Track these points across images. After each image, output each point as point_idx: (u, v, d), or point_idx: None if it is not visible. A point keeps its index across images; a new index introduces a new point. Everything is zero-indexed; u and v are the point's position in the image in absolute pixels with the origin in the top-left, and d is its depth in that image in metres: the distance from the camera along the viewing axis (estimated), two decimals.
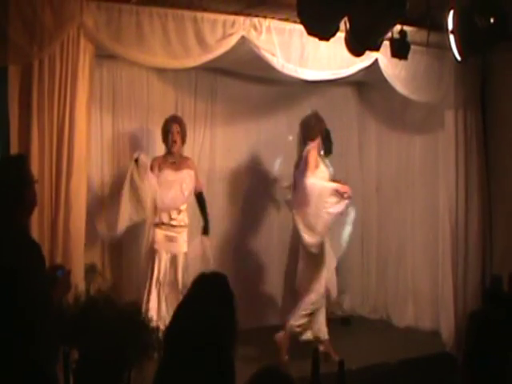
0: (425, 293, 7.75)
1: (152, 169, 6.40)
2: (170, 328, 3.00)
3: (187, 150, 7.31)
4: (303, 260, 6.55)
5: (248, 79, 7.54)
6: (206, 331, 2.86)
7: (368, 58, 6.01)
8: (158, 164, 6.49)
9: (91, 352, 3.80)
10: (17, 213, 3.56)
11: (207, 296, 3.11)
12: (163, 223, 6.46)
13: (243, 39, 5.83)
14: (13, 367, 3.18)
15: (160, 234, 6.45)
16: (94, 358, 3.75)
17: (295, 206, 6.54)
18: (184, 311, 3.04)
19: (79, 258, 5.07)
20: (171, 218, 6.47)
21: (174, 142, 6.50)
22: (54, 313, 3.48)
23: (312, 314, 6.49)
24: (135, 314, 4.19)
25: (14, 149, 4.90)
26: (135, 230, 6.88)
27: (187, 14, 5.60)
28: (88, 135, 5.28)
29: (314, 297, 6.44)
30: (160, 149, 6.75)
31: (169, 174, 6.48)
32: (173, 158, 6.55)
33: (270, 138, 7.88)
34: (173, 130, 6.51)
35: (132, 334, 3.98)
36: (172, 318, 3.05)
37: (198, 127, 7.50)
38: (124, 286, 6.70)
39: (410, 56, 5.57)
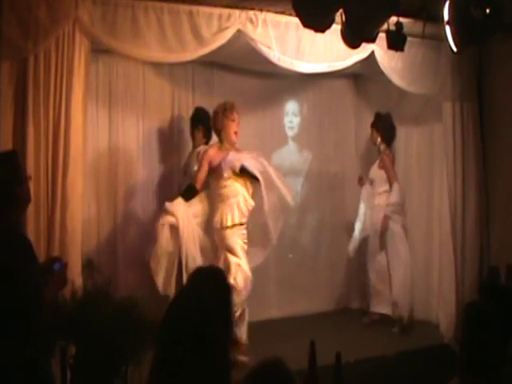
0: (422, 285, 7.75)
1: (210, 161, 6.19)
2: (165, 322, 3.00)
3: (185, 145, 7.32)
4: None
5: (245, 73, 7.52)
6: (201, 325, 2.85)
7: (364, 50, 6.00)
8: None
9: (88, 347, 3.82)
10: (8, 209, 3.56)
11: (203, 290, 3.11)
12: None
13: (239, 32, 5.82)
14: (5, 363, 3.18)
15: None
16: (91, 353, 3.76)
17: None
18: (179, 305, 3.04)
19: (76, 254, 5.05)
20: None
21: (236, 132, 6.25)
22: (48, 308, 3.47)
23: None
24: (132, 309, 4.18)
25: (8, 145, 4.87)
26: (130, 225, 6.92)
27: (183, 8, 5.58)
28: (84, 130, 5.25)
29: None
30: (157, 144, 6.76)
31: None
32: (225, 149, 6.23)
33: (268, 132, 7.87)
34: (236, 118, 6.26)
35: (129, 329, 3.98)
36: (167, 312, 3.04)
37: None
38: (121, 281, 6.69)
39: (406, 48, 5.57)
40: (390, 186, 7.37)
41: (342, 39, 5.25)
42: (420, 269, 7.81)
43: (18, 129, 4.98)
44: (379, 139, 7.54)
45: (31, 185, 4.17)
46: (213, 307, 2.97)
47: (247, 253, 6.25)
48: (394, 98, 7.70)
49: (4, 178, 3.61)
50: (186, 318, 2.88)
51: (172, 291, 5.89)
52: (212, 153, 6.23)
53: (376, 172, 7.52)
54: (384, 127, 7.54)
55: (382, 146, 7.52)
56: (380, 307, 7.48)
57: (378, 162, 7.53)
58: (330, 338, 6.54)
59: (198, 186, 6.19)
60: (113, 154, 6.91)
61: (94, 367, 3.75)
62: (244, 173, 6.11)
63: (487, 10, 4.88)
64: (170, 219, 5.99)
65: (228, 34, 5.75)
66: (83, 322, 3.95)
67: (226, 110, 6.23)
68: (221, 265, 5.95)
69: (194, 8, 5.62)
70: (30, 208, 4.68)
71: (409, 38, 5.57)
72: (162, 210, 6.19)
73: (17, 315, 3.25)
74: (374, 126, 7.61)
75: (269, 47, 5.94)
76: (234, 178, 6.13)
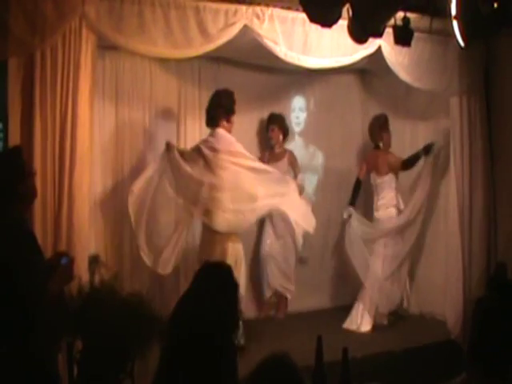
0: (429, 281, 7.73)
1: None
2: (174, 317, 3.00)
3: (192, 141, 7.30)
4: None
5: (251, 68, 7.51)
6: (208, 320, 2.86)
7: (371, 45, 5.99)
8: None
9: (95, 343, 3.82)
10: (11, 205, 3.58)
11: (210, 286, 3.11)
12: None
13: (246, 28, 5.80)
14: (10, 358, 3.19)
15: None
16: (98, 348, 3.77)
17: None
18: (187, 301, 3.05)
19: (83, 250, 5.05)
20: None
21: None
22: (53, 303, 3.48)
23: None
24: (138, 304, 4.19)
25: (15, 141, 4.88)
26: None
27: (189, 4, 5.57)
28: (91, 126, 5.25)
29: None
30: (163, 139, 6.75)
31: None
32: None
33: None
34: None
35: (135, 324, 3.98)
36: (175, 307, 3.05)
37: (202, 117, 7.45)
38: (127, 276, 6.69)
39: (413, 43, 5.56)
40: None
41: (348, 34, 5.24)
42: (425, 265, 7.81)
43: (25, 124, 4.99)
44: (281, 137, 7.60)
45: (37, 180, 4.19)
46: (221, 304, 2.98)
47: None
48: (400, 94, 7.69)
49: (6, 174, 3.64)
50: (196, 314, 2.89)
51: None
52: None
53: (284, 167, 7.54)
54: (284, 126, 7.64)
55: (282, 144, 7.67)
56: None
57: (285, 158, 7.58)
58: (337, 333, 6.55)
59: None
60: (119, 150, 6.90)
61: (101, 362, 3.75)
62: None
63: (495, 5, 4.87)
64: None
65: (234, 30, 5.74)
66: (90, 318, 3.96)
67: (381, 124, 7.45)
68: None
69: (201, 3, 5.61)
70: (37, 203, 4.68)
71: (416, 33, 5.56)
72: None
73: (20, 309, 3.26)
74: (274, 124, 7.61)
75: (275, 42, 5.93)
76: None
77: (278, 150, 7.62)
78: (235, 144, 6.36)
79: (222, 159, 6.24)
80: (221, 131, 6.34)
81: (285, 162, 7.52)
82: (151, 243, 6.18)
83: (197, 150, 6.35)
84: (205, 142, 6.37)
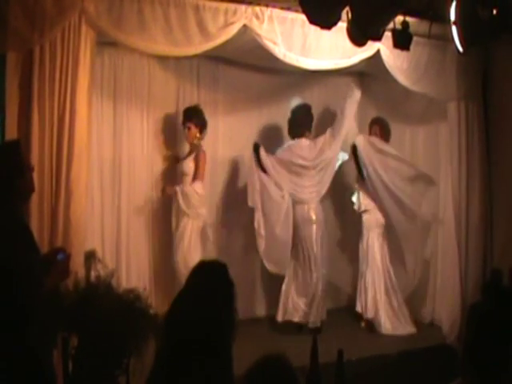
0: (424, 285, 7.74)
1: None
2: (170, 315, 3.00)
3: None
4: None
5: (250, 68, 7.49)
6: (204, 319, 2.86)
7: (370, 48, 6.00)
8: None
9: (90, 338, 3.82)
10: (9, 200, 3.57)
11: (206, 284, 3.11)
12: None
13: (245, 28, 5.81)
14: (4, 353, 3.19)
15: None
16: (93, 344, 3.77)
17: None
18: (183, 299, 3.05)
19: (80, 246, 5.03)
20: None
21: None
22: (47, 298, 3.48)
23: None
24: (135, 300, 4.19)
25: (12, 136, 4.86)
26: (134, 216, 6.93)
27: (189, 2, 5.58)
28: (89, 122, 5.24)
29: None
30: (161, 137, 6.75)
31: None
32: None
33: (272, 128, 7.86)
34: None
35: (131, 321, 3.99)
36: (171, 306, 3.05)
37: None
38: (124, 272, 6.70)
39: (412, 47, 5.57)
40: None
41: (347, 37, 5.25)
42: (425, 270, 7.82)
43: (22, 120, 4.98)
44: (199, 134, 6.94)
45: (35, 175, 4.18)
46: (218, 302, 2.98)
47: None
48: (399, 97, 7.69)
49: (4, 169, 3.63)
50: (192, 313, 2.89)
51: None
52: None
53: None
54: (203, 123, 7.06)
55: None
56: None
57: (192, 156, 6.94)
58: (333, 335, 6.55)
59: None
60: (117, 147, 6.88)
61: (96, 358, 3.75)
62: None
63: (494, 11, 4.88)
64: None
65: (234, 29, 5.75)
66: (85, 313, 3.96)
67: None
68: None
69: (201, 2, 5.61)
70: (34, 199, 4.68)
71: (415, 38, 5.57)
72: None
73: (15, 305, 3.26)
74: (191, 121, 6.97)
75: (274, 43, 5.94)
76: None
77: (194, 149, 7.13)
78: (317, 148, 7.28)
79: (315, 164, 7.24)
80: (307, 140, 7.30)
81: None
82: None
83: (285, 160, 7.19)
84: (289, 150, 7.27)
